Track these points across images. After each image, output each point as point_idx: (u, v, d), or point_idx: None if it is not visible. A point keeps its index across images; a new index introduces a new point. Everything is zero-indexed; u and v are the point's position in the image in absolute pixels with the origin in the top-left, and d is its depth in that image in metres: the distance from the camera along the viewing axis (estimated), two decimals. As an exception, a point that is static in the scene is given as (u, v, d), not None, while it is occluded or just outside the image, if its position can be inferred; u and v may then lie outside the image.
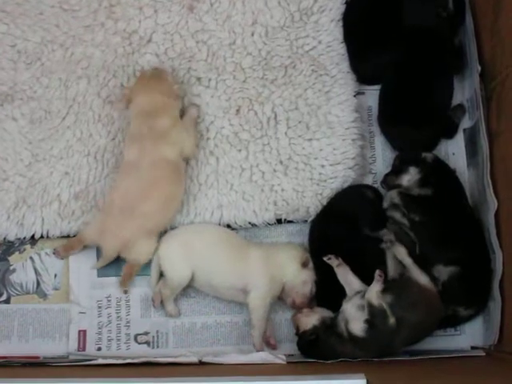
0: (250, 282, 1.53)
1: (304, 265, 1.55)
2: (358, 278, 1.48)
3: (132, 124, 1.61)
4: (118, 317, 1.62)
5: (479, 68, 1.59)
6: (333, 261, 1.50)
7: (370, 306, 1.42)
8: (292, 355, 1.53)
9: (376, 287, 1.43)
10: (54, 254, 1.64)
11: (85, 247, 1.62)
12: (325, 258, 1.50)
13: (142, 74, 1.66)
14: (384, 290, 1.44)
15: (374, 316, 1.42)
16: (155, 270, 1.59)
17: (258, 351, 1.50)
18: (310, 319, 1.49)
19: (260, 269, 1.54)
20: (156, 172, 1.55)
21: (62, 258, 1.63)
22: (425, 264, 1.50)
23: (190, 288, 1.59)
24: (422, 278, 1.47)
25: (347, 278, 1.49)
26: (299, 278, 1.54)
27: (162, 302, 1.59)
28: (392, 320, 1.42)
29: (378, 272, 1.44)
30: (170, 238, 1.59)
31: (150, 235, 1.57)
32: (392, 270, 1.51)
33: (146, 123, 1.58)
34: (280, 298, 1.57)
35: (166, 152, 1.56)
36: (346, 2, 1.73)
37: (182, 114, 1.65)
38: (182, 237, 1.59)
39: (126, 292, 1.62)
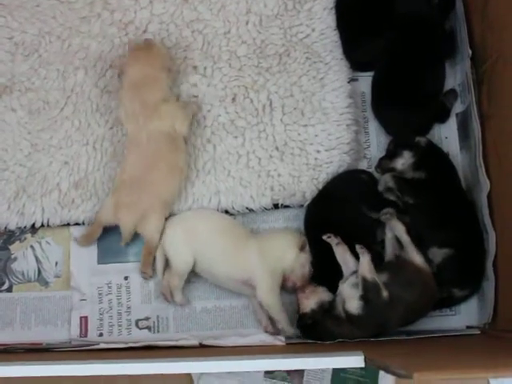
0: (252, 277, 1.54)
1: (302, 248, 1.57)
2: (354, 258, 1.50)
3: (125, 98, 1.62)
4: (119, 303, 1.64)
5: (470, 52, 1.61)
6: (332, 239, 1.52)
7: (364, 280, 1.45)
8: (291, 338, 1.55)
9: (365, 259, 1.46)
10: (76, 242, 1.65)
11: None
12: (324, 237, 1.52)
13: (132, 47, 1.67)
14: (380, 271, 1.47)
15: (368, 290, 1.44)
16: (160, 255, 1.60)
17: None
18: (310, 302, 1.51)
19: (260, 264, 1.55)
20: (154, 145, 1.57)
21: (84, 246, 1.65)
22: (419, 247, 1.52)
23: (190, 273, 1.60)
24: (417, 257, 1.49)
25: (345, 257, 1.51)
26: (298, 261, 1.56)
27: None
28: (385, 294, 1.44)
29: (357, 246, 1.47)
30: (174, 223, 1.61)
31: (161, 208, 1.58)
32: (389, 252, 1.53)
33: (137, 98, 1.59)
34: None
35: (158, 126, 1.58)
36: (338, -10, 1.75)
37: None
38: (186, 222, 1.61)
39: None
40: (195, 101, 1.69)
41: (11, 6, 1.75)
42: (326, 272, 1.55)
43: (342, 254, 1.51)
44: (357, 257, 1.49)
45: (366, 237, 1.57)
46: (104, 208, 1.61)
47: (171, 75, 1.66)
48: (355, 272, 1.48)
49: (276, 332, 1.56)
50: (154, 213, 1.58)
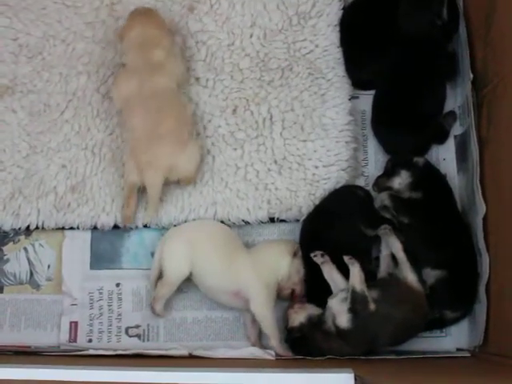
0: (245, 290, 1.54)
1: (295, 254, 1.57)
2: (342, 276, 1.50)
3: (126, 59, 1.65)
4: (110, 309, 1.63)
5: (471, 76, 1.62)
6: (318, 258, 1.52)
7: (353, 291, 1.45)
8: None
9: (355, 269, 1.46)
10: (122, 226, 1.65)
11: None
12: (311, 255, 1.53)
13: (132, 12, 1.70)
14: (370, 287, 1.47)
15: (355, 301, 1.44)
16: (157, 265, 1.59)
17: (280, 355, 1.51)
18: (298, 316, 1.51)
19: (253, 277, 1.54)
20: (160, 100, 1.59)
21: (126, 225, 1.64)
22: (414, 266, 1.52)
23: (182, 283, 1.59)
24: (410, 276, 1.50)
25: (332, 275, 1.51)
26: (293, 268, 1.56)
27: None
28: (372, 306, 1.45)
29: (346, 257, 1.48)
30: (174, 235, 1.61)
31: (184, 145, 1.60)
32: (383, 269, 1.54)
33: (141, 55, 1.63)
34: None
35: (164, 83, 1.61)
36: (343, 8, 1.76)
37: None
38: (186, 234, 1.60)
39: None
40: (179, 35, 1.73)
41: (17, 7, 1.76)
42: (319, 288, 1.55)
43: (328, 272, 1.51)
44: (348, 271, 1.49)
45: (360, 254, 1.56)
46: (128, 172, 1.60)
47: (171, 35, 1.69)
48: (344, 290, 1.48)
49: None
50: (180, 155, 1.59)
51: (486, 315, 1.51)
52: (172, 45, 1.67)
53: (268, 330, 1.53)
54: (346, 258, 1.48)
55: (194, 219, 1.65)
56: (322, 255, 1.52)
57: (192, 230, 1.62)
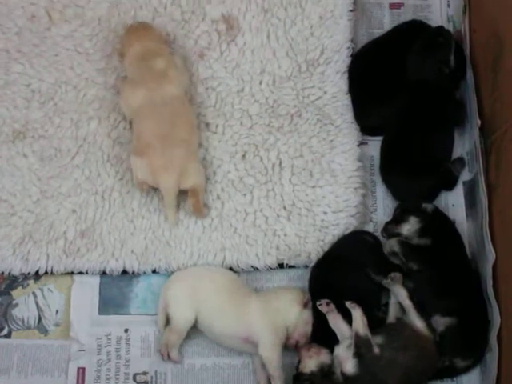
0: (254, 334, 1.54)
1: (305, 305, 1.56)
2: (348, 325, 1.49)
3: (130, 72, 1.69)
4: (118, 355, 1.62)
5: (479, 122, 1.64)
6: (323, 307, 1.52)
7: (356, 335, 1.44)
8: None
9: (357, 313, 1.46)
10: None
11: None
12: (317, 303, 1.53)
13: (128, 29, 1.74)
14: (376, 333, 1.46)
15: (359, 346, 1.44)
16: (162, 310, 1.59)
17: None
18: (311, 362, 1.50)
19: (262, 321, 1.54)
20: (170, 106, 1.63)
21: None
22: (422, 312, 1.51)
23: (191, 329, 1.58)
24: (418, 322, 1.49)
25: (337, 324, 1.50)
26: (301, 319, 1.55)
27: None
28: (376, 350, 1.44)
29: (347, 303, 1.48)
30: (177, 280, 1.61)
31: (195, 158, 1.64)
32: (392, 315, 1.53)
33: (145, 66, 1.67)
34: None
35: (170, 90, 1.65)
36: (351, 55, 1.79)
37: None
38: (189, 279, 1.61)
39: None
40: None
41: (30, 54, 1.78)
42: (326, 335, 1.53)
43: (333, 321, 1.51)
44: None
45: (369, 300, 1.57)
46: (140, 170, 1.62)
47: (168, 46, 1.75)
48: (349, 337, 1.47)
49: None
50: (190, 164, 1.61)
51: (498, 364, 1.50)
52: (171, 54, 1.73)
53: (273, 371, 1.52)
54: (347, 303, 1.48)
55: (202, 265, 1.65)
56: (328, 304, 1.52)
57: (194, 276, 1.62)
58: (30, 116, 1.75)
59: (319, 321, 1.55)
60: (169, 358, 1.58)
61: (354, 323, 1.46)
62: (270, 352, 1.52)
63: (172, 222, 1.65)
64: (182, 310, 1.56)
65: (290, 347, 1.57)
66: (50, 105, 1.76)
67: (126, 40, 1.72)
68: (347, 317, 1.49)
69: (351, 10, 1.81)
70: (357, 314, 1.46)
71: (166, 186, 1.61)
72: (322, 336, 1.55)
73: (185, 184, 1.62)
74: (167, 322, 1.60)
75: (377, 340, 1.45)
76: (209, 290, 1.58)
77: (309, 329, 1.56)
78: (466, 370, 1.57)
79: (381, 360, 1.44)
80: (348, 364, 1.44)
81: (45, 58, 1.78)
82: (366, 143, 1.76)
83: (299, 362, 1.51)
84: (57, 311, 1.66)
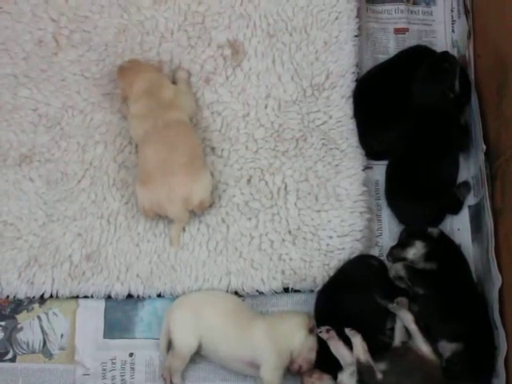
0: (257, 356, 1.53)
1: (310, 331, 1.56)
2: (350, 351, 1.48)
3: (136, 107, 1.69)
4: (123, 380, 1.62)
5: (484, 147, 1.64)
6: (323, 334, 1.52)
7: (358, 362, 1.44)
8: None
9: (357, 340, 1.46)
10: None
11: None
12: (317, 331, 1.53)
13: (122, 70, 1.75)
14: (379, 359, 1.46)
15: (362, 372, 1.43)
16: (165, 335, 1.59)
17: None
18: None
19: (266, 342, 1.54)
20: (172, 131, 1.64)
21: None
22: (428, 337, 1.51)
23: (195, 354, 1.58)
24: (424, 347, 1.49)
25: (339, 350, 1.50)
26: (306, 344, 1.55)
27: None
28: (379, 376, 1.43)
29: (347, 330, 1.47)
30: (180, 305, 1.61)
31: (197, 172, 1.63)
32: (397, 339, 1.53)
33: (152, 99, 1.68)
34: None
35: (176, 116, 1.66)
36: (356, 80, 1.80)
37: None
38: (192, 305, 1.60)
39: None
40: (181, 68, 1.79)
41: (38, 78, 1.80)
42: (330, 361, 1.53)
43: (335, 347, 1.51)
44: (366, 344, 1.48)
45: (374, 325, 1.57)
46: (145, 201, 1.63)
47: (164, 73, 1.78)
48: (352, 364, 1.47)
49: None
50: (193, 184, 1.62)
51: (505, 389, 1.49)
52: (170, 81, 1.74)
53: None
54: (346, 330, 1.48)
55: (207, 289, 1.64)
56: (328, 331, 1.52)
57: (197, 302, 1.61)
58: (36, 140, 1.76)
59: (324, 347, 1.54)
60: (171, 383, 1.57)
61: (354, 350, 1.46)
62: (271, 374, 1.52)
63: (175, 244, 1.66)
64: (185, 335, 1.56)
65: (292, 372, 1.56)
66: (56, 129, 1.77)
67: (125, 82, 1.72)
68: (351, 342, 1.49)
69: (356, 36, 1.82)
70: (356, 340, 1.46)
71: (174, 216, 1.63)
72: (327, 362, 1.54)
73: (192, 207, 1.63)
74: (169, 346, 1.59)
75: (380, 366, 1.45)
76: (212, 314, 1.58)
77: (313, 355, 1.55)
78: (474, 396, 1.56)
79: (379, 380, 1.43)
80: None
81: (52, 82, 1.80)
82: (371, 168, 1.77)
83: None
84: (62, 335, 1.66)
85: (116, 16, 1.84)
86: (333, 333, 1.51)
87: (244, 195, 1.71)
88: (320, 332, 1.52)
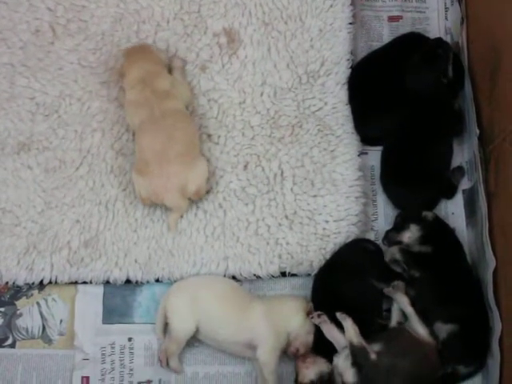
0: (255, 337, 1.55)
1: (308, 314, 1.57)
2: (343, 335, 1.50)
3: (131, 94, 1.70)
4: (122, 364, 1.63)
5: (478, 131, 1.66)
6: (315, 319, 1.53)
7: (351, 345, 1.46)
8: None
9: (348, 324, 1.48)
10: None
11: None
12: (309, 317, 1.55)
13: (129, 50, 1.76)
14: (374, 339, 1.48)
15: (356, 355, 1.45)
16: (161, 319, 1.61)
17: None
18: (309, 372, 1.51)
19: (264, 324, 1.55)
20: (169, 120, 1.65)
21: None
22: (424, 319, 1.53)
23: (193, 338, 1.60)
24: (420, 329, 1.51)
25: (332, 334, 1.52)
26: (304, 328, 1.56)
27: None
28: (373, 356, 1.45)
29: (337, 313, 1.50)
30: (177, 290, 1.62)
31: (193, 161, 1.64)
32: (394, 320, 1.55)
33: (148, 88, 1.68)
34: (282, 348, 1.59)
35: (173, 105, 1.67)
36: (351, 67, 1.81)
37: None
38: (189, 290, 1.62)
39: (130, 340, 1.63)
40: (176, 57, 1.80)
41: (35, 68, 1.81)
42: (326, 344, 1.55)
43: (328, 331, 1.53)
44: (362, 328, 1.50)
45: (371, 308, 1.59)
46: (142, 189, 1.64)
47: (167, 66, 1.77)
48: (347, 347, 1.49)
49: None
50: (190, 172, 1.63)
51: (500, 370, 1.51)
52: (168, 73, 1.75)
53: (268, 376, 1.53)
54: (337, 314, 1.50)
55: (205, 274, 1.66)
56: (319, 315, 1.53)
57: (194, 286, 1.63)
58: (34, 128, 1.77)
59: (320, 331, 1.56)
60: (168, 365, 1.59)
61: (346, 333, 1.48)
62: (268, 355, 1.53)
63: (173, 230, 1.67)
64: (182, 320, 1.58)
65: (289, 354, 1.58)
66: (54, 117, 1.78)
67: (127, 62, 1.74)
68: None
69: (350, 23, 1.84)
70: (347, 324, 1.48)
71: (171, 204, 1.64)
72: (324, 345, 1.56)
73: (189, 194, 1.64)
74: (166, 329, 1.61)
75: (375, 347, 1.47)
76: (210, 298, 1.59)
77: (310, 338, 1.57)
78: (469, 376, 1.58)
79: (379, 366, 1.45)
80: (348, 374, 1.46)
81: (49, 71, 1.81)
82: (367, 153, 1.78)
83: (297, 374, 1.52)
84: (61, 321, 1.67)
85: (112, 5, 1.85)
86: (324, 317, 1.53)
87: (241, 181, 1.72)
88: (311, 318, 1.54)
